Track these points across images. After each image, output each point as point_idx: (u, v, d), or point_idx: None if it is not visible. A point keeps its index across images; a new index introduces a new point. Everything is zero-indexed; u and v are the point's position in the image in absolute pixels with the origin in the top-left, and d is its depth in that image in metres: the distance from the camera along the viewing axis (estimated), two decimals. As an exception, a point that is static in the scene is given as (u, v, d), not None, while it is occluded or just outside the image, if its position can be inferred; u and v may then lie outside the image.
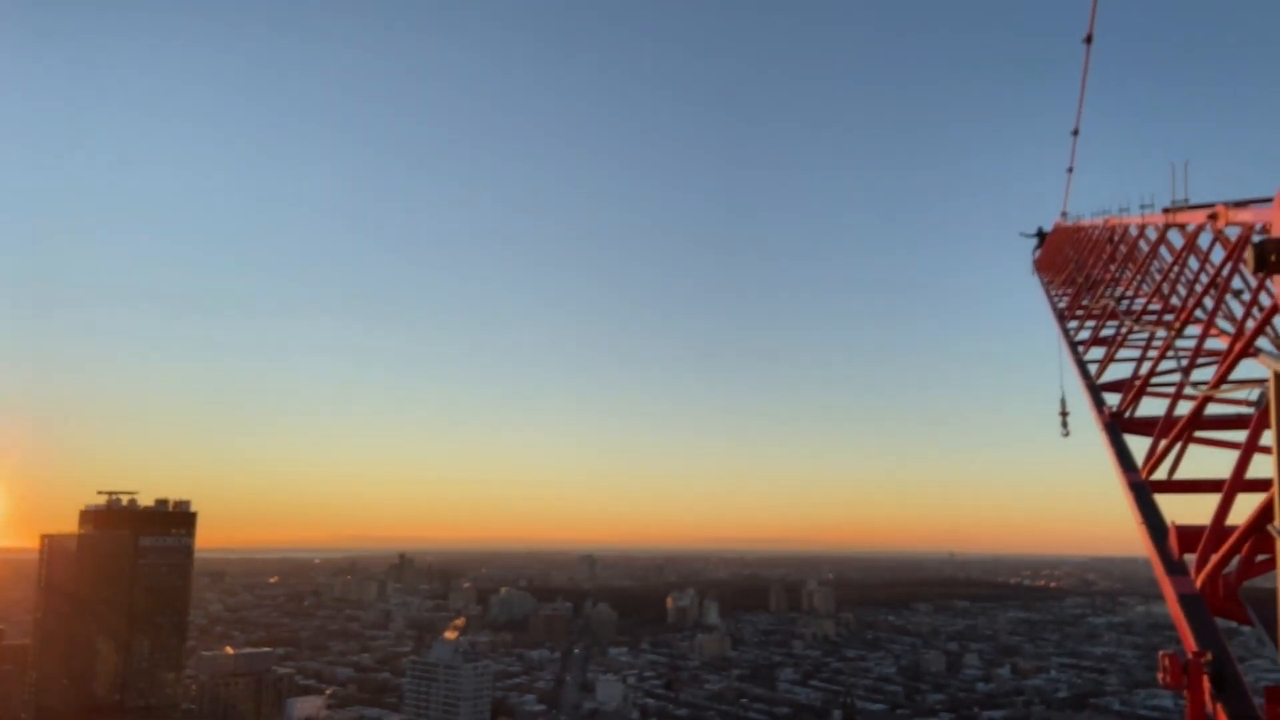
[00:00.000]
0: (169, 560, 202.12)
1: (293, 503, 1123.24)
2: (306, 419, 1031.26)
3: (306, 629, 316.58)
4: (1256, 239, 6.21)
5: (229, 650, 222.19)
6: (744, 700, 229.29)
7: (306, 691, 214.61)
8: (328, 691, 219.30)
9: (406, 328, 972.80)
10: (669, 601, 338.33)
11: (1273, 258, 3.89)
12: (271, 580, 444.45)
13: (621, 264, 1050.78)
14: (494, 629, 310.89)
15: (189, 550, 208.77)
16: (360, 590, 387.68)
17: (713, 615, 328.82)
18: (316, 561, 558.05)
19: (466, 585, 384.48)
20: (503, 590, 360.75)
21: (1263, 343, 12.60)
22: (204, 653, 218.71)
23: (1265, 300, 11.82)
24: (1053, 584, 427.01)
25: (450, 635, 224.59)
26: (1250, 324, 12.14)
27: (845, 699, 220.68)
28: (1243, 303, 13.73)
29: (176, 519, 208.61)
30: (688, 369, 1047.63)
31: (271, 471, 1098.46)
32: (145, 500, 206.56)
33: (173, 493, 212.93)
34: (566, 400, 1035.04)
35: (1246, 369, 11.96)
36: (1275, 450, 5.39)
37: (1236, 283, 14.46)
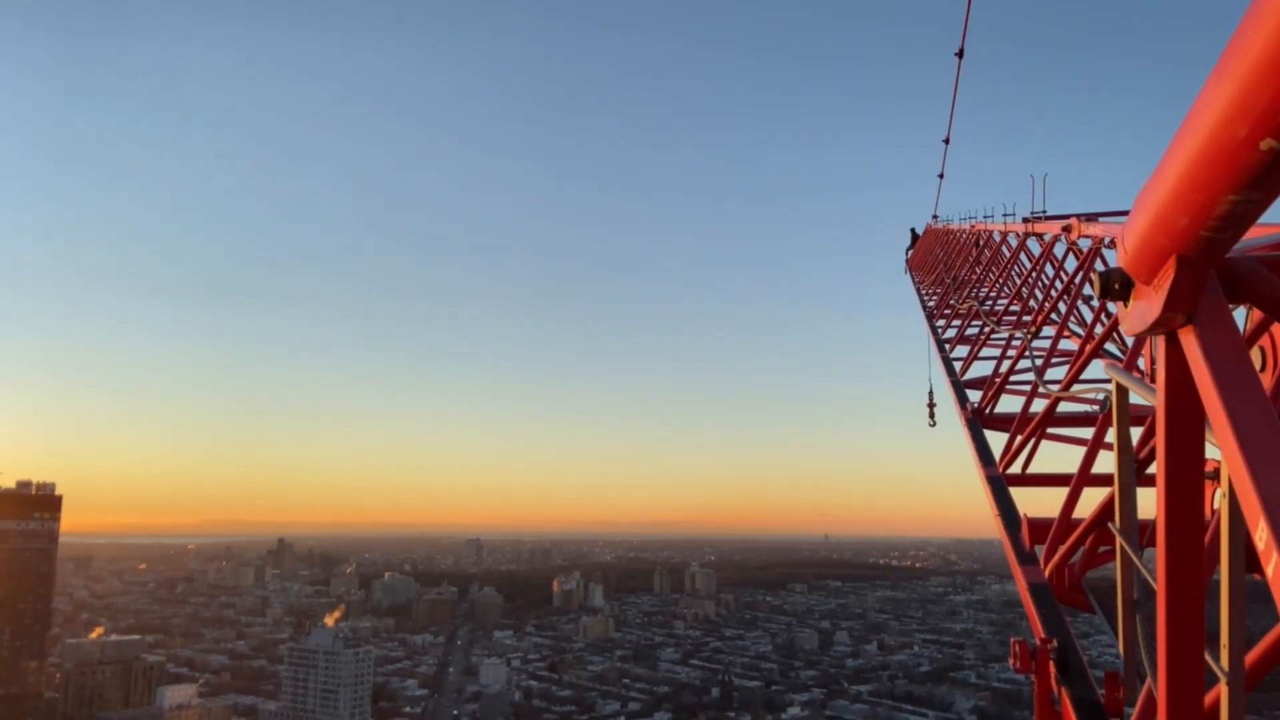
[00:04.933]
0: (31, 545, 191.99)
1: (165, 487, 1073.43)
2: (177, 400, 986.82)
3: (179, 616, 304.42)
4: (1100, 269, 6.69)
5: (95, 637, 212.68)
6: (626, 680, 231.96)
7: (178, 680, 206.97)
8: (200, 680, 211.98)
9: (281, 310, 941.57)
10: (555, 585, 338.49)
11: (1115, 286, 4.18)
12: (141, 567, 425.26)
13: (507, 250, 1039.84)
14: (376, 614, 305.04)
15: (53, 535, 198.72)
16: (236, 576, 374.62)
17: (598, 598, 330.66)
18: (190, 547, 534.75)
19: (348, 570, 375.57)
20: (386, 575, 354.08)
21: (1110, 346, 13.54)
22: (69, 640, 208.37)
23: (1113, 307, 12.62)
24: (918, 564, 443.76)
25: (330, 621, 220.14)
26: (1099, 329, 13.04)
27: (723, 677, 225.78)
28: (1092, 309, 14.67)
29: (40, 502, 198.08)
30: (572, 355, 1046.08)
31: (142, 454, 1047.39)
32: (7, 482, 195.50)
33: (36, 474, 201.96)
34: (451, 384, 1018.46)
35: (1095, 370, 12.82)
36: (1116, 455, 5.80)
37: (1087, 290, 15.43)
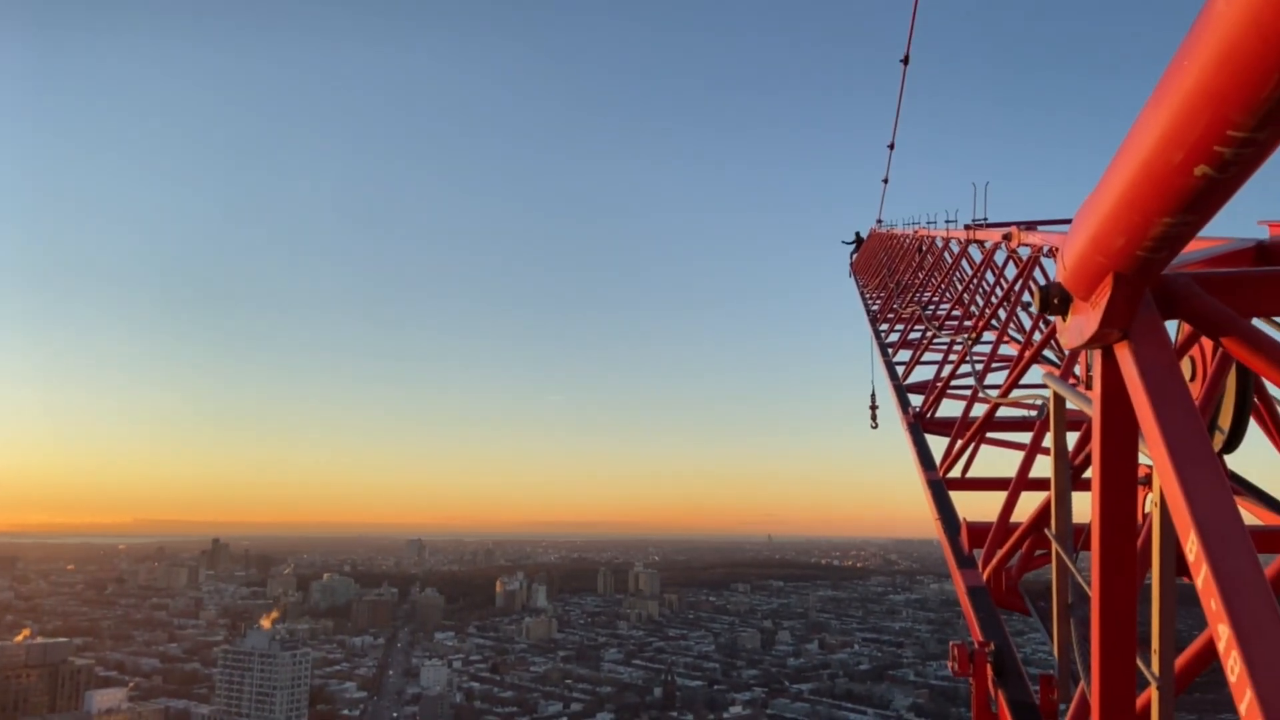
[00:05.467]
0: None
1: (95, 485, 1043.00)
2: (108, 396, 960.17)
3: (109, 618, 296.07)
4: (1040, 284, 6.81)
5: (21, 639, 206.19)
6: (568, 681, 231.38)
7: (108, 683, 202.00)
8: (130, 683, 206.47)
9: (216, 307, 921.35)
10: (498, 585, 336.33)
11: (1054, 301, 4.30)
12: (69, 567, 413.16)
13: (452, 248, 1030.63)
14: (314, 616, 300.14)
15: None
16: (168, 577, 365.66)
17: (541, 598, 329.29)
18: (121, 547, 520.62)
19: (286, 571, 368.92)
20: (325, 576, 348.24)
21: (1048, 352, 13.79)
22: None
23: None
24: (859, 564, 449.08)
25: (266, 623, 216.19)
26: (1038, 336, 13.28)
27: (666, 677, 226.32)
28: (1031, 315, 14.93)
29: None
30: (517, 355, 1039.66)
31: (71, 451, 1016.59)
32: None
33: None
34: (393, 381, 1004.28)
35: (1034, 375, 13.05)
36: (1053, 462, 5.88)
37: (1027, 297, 15.71)
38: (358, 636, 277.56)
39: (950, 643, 9.38)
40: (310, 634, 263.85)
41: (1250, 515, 10.42)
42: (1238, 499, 10.83)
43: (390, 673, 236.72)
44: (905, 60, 24.62)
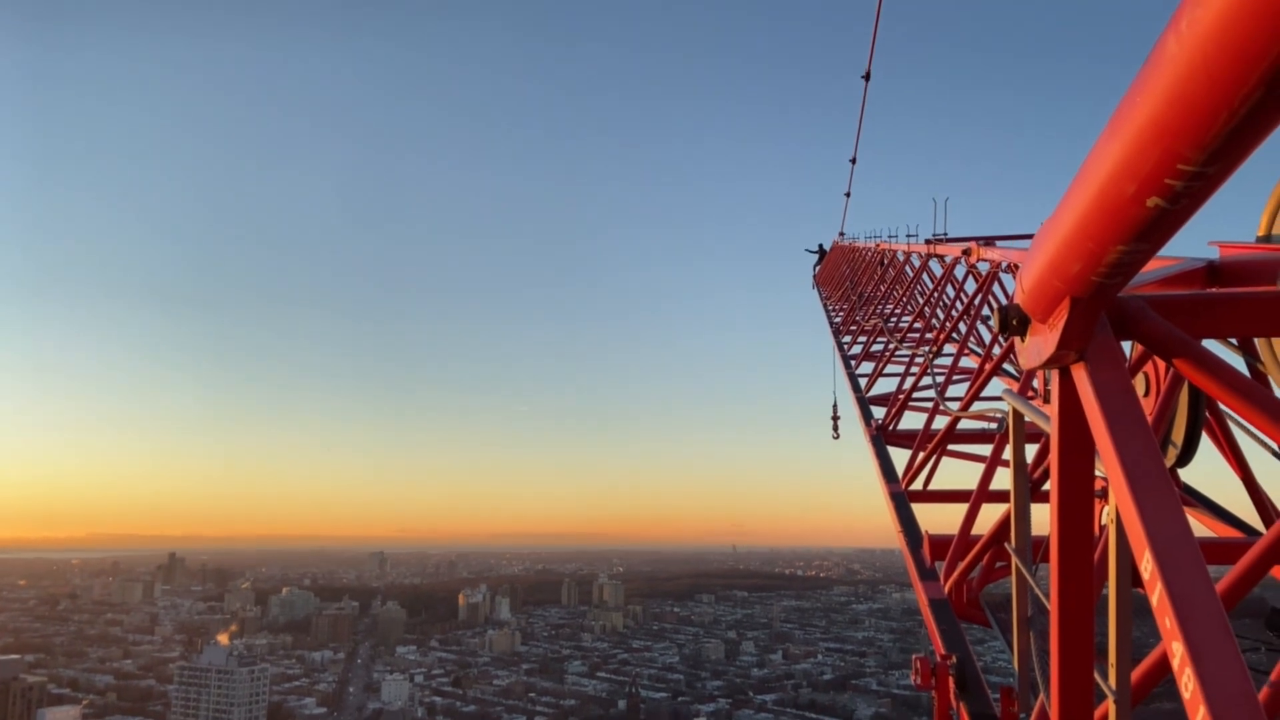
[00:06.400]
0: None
1: (48, 498, 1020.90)
2: (61, 408, 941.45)
3: (62, 634, 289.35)
4: (998, 305, 6.96)
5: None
6: (532, 695, 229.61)
7: (61, 701, 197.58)
8: (84, 701, 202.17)
9: (170, 317, 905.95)
10: (461, 598, 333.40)
11: (1014, 322, 4.39)
12: (21, 583, 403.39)
13: (404, 269, 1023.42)
14: (273, 631, 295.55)
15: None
16: (123, 592, 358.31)
17: (504, 611, 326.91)
18: (74, 562, 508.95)
19: (244, 585, 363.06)
20: (284, 590, 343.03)
21: (1008, 366, 13.97)
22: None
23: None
24: (822, 574, 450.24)
25: (223, 639, 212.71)
26: (997, 349, 13.44)
27: (630, 689, 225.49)
28: (990, 329, 15.11)
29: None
30: (478, 365, 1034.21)
31: (23, 465, 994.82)
32: None
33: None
34: (352, 392, 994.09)
35: (995, 387, 13.21)
36: (1012, 477, 5.96)
37: (986, 310, 15.91)
38: (317, 651, 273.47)
39: (913, 655, 9.43)
40: (269, 649, 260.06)
41: (1203, 527, 10.66)
42: (1192, 511, 11.05)
43: (351, 688, 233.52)
44: (867, 77, 24.87)
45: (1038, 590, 5.50)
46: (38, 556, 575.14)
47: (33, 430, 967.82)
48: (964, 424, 13.76)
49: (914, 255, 23.03)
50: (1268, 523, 8.72)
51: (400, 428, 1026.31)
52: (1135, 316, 4.10)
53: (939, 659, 9.21)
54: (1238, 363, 6.90)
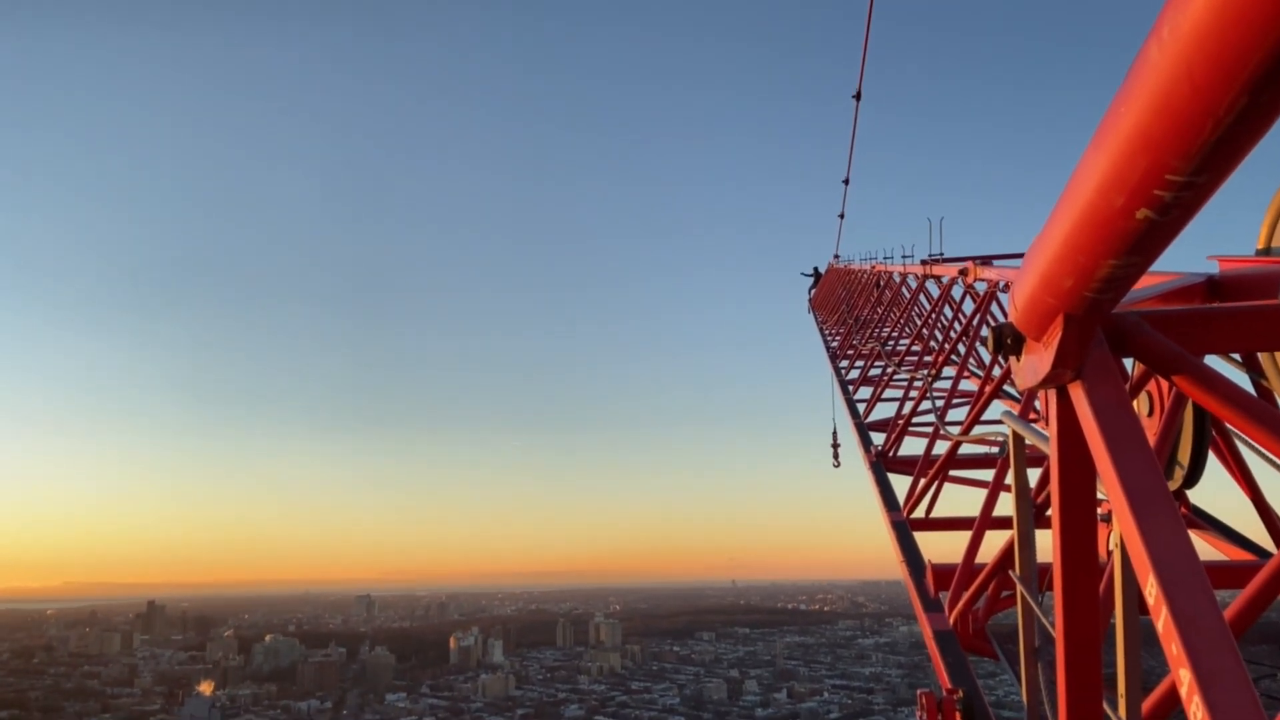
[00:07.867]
0: None
1: (20, 546, 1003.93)
2: (35, 452, 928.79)
3: (37, 689, 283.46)
4: (993, 324, 6.70)
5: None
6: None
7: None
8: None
9: (146, 353, 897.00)
10: (452, 641, 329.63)
11: (1008, 341, 4.35)
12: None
13: (390, 303, 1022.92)
14: (257, 680, 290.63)
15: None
16: (102, 643, 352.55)
17: (497, 654, 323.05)
18: (49, 612, 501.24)
19: (226, 633, 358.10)
20: (268, 637, 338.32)
21: (1009, 387, 13.56)
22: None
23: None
24: (826, 608, 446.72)
25: (205, 689, 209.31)
26: (997, 371, 13.06)
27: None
28: (990, 350, 14.72)
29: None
30: (467, 401, 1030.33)
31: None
32: None
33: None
34: (338, 432, 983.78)
35: (996, 409, 12.81)
36: (1015, 502, 5.74)
37: (985, 331, 15.55)
38: (304, 700, 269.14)
39: (918, 691, 9.09)
40: (253, 699, 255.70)
41: (1213, 550, 10.26)
42: (1201, 533, 10.63)
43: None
44: (858, 96, 24.80)
45: (1044, 620, 5.42)
46: (11, 608, 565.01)
47: (3, 475, 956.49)
48: (965, 448, 13.43)
49: (910, 276, 22.74)
50: (1279, 543, 8.41)
51: (384, 464, 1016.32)
52: (1132, 332, 4.02)
53: (945, 693, 8.88)
54: (1242, 379, 6.72)
